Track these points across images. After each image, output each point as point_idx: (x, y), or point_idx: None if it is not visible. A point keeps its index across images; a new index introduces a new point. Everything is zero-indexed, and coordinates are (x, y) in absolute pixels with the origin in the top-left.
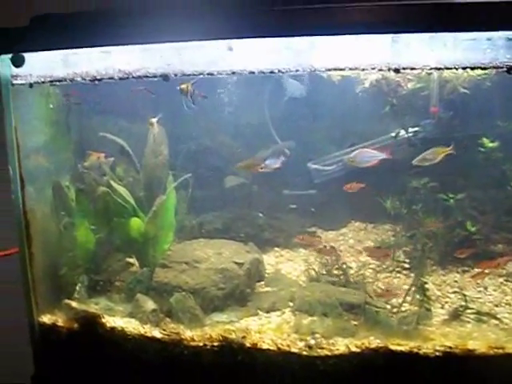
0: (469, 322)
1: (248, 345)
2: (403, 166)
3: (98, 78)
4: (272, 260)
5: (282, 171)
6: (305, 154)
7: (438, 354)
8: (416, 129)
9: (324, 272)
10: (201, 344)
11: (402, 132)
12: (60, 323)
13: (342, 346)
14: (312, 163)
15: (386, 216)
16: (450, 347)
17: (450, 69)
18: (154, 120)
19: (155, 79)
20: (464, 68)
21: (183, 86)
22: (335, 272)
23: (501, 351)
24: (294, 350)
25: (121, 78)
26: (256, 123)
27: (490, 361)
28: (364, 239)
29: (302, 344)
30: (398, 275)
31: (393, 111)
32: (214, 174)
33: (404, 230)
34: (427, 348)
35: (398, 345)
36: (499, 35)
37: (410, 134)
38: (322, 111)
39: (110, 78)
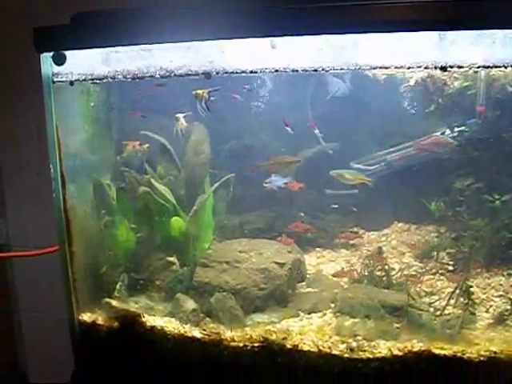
0: None
1: (289, 346)
2: (448, 166)
3: (140, 76)
4: (313, 260)
5: (324, 170)
6: (348, 154)
7: (482, 358)
8: (462, 128)
9: (366, 273)
10: (241, 344)
11: (448, 132)
12: (100, 321)
13: (384, 348)
14: (355, 162)
15: (429, 217)
16: (495, 352)
17: (499, 67)
18: (181, 115)
19: (197, 77)
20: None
21: (199, 92)
22: (378, 273)
23: None
24: (335, 352)
25: (162, 76)
26: (300, 123)
27: None
28: (407, 240)
29: (343, 346)
30: (442, 277)
31: (438, 110)
32: (256, 174)
33: (448, 231)
34: (471, 352)
35: (442, 349)
36: None
37: (455, 134)
38: (366, 110)
39: (151, 76)
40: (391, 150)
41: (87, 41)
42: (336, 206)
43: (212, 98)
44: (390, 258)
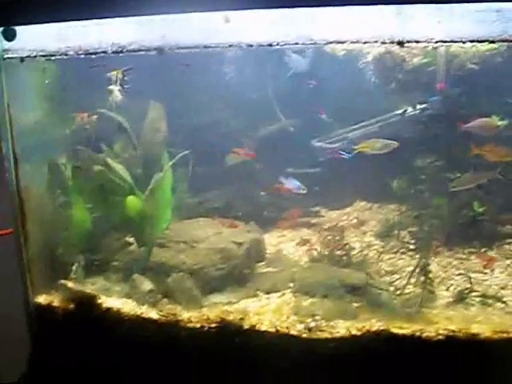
0: (473, 305)
1: (246, 327)
2: (410, 144)
3: (92, 51)
4: (274, 240)
5: (285, 149)
6: (309, 132)
7: (440, 337)
8: (423, 106)
9: (326, 252)
10: (198, 325)
11: (410, 109)
12: (56, 303)
13: (342, 328)
14: (316, 141)
15: (391, 196)
16: (454, 331)
17: (457, 42)
18: (115, 88)
19: (150, 53)
20: (471, 41)
21: (113, 73)
22: (338, 253)
23: (505, 335)
24: (293, 332)
25: (114, 52)
26: (259, 99)
27: (494, 345)
28: (368, 219)
29: (301, 326)
30: (403, 256)
31: (398, 87)
32: (215, 152)
33: (409, 210)
34: (430, 331)
35: (400, 328)
36: (509, 6)
37: (417, 112)
38: (326, 87)
39: (103, 52)
40: (353, 127)
41: (38, 16)
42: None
43: (126, 78)
44: (350, 237)
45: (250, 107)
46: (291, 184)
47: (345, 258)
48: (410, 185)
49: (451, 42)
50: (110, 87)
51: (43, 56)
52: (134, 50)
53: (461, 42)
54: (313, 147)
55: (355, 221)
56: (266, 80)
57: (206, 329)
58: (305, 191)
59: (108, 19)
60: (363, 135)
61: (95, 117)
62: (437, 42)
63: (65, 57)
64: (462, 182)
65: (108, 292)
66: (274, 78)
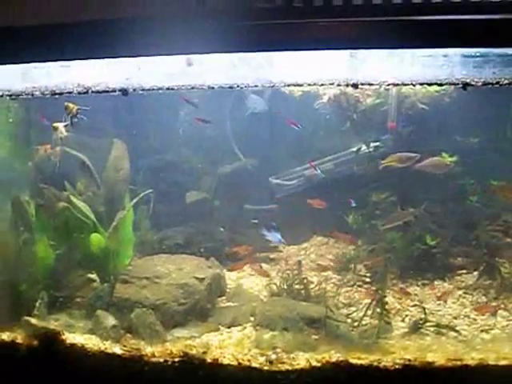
0: (428, 335)
1: (209, 360)
2: (364, 180)
3: (58, 92)
4: (234, 275)
5: (243, 186)
6: (267, 169)
7: (397, 366)
8: (377, 144)
9: (285, 287)
10: (161, 360)
11: (364, 147)
12: (19, 340)
13: (302, 360)
14: (274, 178)
15: (347, 230)
16: (410, 360)
17: (407, 85)
18: (60, 124)
19: (115, 93)
20: (421, 84)
21: (70, 105)
22: (296, 287)
23: (459, 363)
24: (254, 364)
25: (80, 93)
26: (219, 138)
27: (448, 372)
28: (326, 253)
29: (262, 359)
30: (360, 289)
31: (353, 126)
32: (176, 190)
33: (365, 244)
34: (387, 361)
35: (359, 358)
36: (455, 52)
37: (371, 150)
38: (284, 126)
39: (68, 93)
40: (308, 165)
41: (3, 56)
42: (256, 220)
43: (79, 116)
44: (308, 272)
45: (210, 146)
46: (273, 237)
47: (303, 291)
48: (365, 219)
49: (402, 84)
50: (55, 124)
51: (9, 96)
52: (99, 91)
53: (411, 84)
54: (270, 184)
55: (313, 255)
56: (225, 119)
57: (169, 363)
58: (285, 244)
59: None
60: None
61: (58, 148)
62: (389, 85)
63: (30, 97)
64: (390, 221)
65: (71, 328)
66: (234, 117)
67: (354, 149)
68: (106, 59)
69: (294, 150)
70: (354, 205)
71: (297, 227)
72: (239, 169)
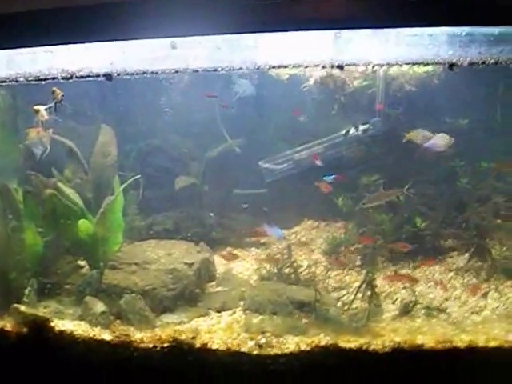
0: (419, 317)
1: (198, 345)
2: (354, 163)
3: (42, 77)
4: (224, 259)
5: (232, 170)
6: (256, 153)
7: (387, 349)
8: (366, 126)
9: (275, 271)
10: (151, 345)
11: (353, 130)
12: (9, 328)
13: (292, 344)
14: (263, 162)
15: (338, 213)
16: (399, 342)
17: (393, 65)
18: (41, 107)
19: (99, 79)
20: (406, 64)
21: (57, 90)
22: (286, 270)
23: (448, 345)
24: (244, 349)
25: (64, 78)
26: (207, 122)
27: (438, 355)
28: (316, 237)
29: (252, 343)
30: (350, 272)
31: (341, 109)
32: (164, 175)
33: (355, 227)
34: (376, 344)
35: (348, 341)
36: (441, 31)
37: (360, 132)
38: (273, 110)
39: (53, 78)
40: (299, 148)
41: None
42: (246, 205)
43: (63, 103)
44: (299, 255)
45: (199, 131)
46: (274, 232)
47: (293, 275)
48: (355, 202)
49: (388, 64)
50: (36, 107)
51: None
52: (82, 76)
53: (397, 64)
54: (260, 168)
55: (303, 239)
56: (214, 104)
57: (158, 348)
58: (285, 240)
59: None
60: (308, 156)
61: (51, 130)
62: (374, 65)
63: (15, 83)
64: (371, 200)
65: (61, 315)
66: (222, 101)
67: (343, 132)
68: (89, 43)
69: (283, 133)
70: (329, 178)
71: (287, 211)
72: (226, 151)
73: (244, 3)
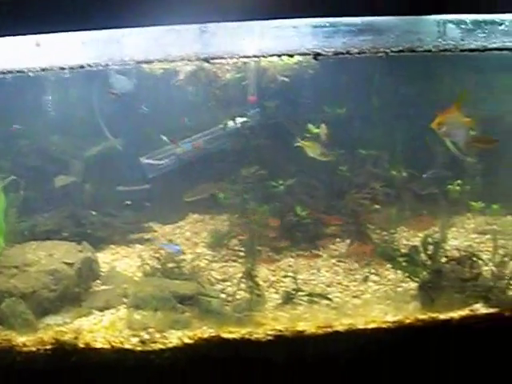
0: (301, 305)
1: (81, 345)
2: (234, 156)
3: None
4: (108, 258)
5: (114, 168)
6: (138, 149)
7: (269, 338)
8: (244, 119)
9: (159, 266)
10: (34, 349)
11: (231, 123)
12: None
13: (174, 338)
14: (144, 158)
15: (222, 206)
16: (281, 330)
17: (258, 57)
18: None
19: None
20: (272, 55)
21: None
22: (170, 265)
23: (329, 329)
24: (127, 346)
25: None
26: (86, 120)
27: (319, 340)
28: (201, 231)
29: (135, 340)
30: (234, 264)
31: (217, 102)
32: (44, 175)
33: (238, 218)
34: (258, 333)
35: (230, 332)
36: (305, 23)
37: (239, 125)
38: (151, 105)
39: None
40: (180, 143)
41: None
42: (129, 202)
43: None
44: (183, 250)
45: (79, 129)
46: (171, 248)
47: (176, 269)
48: (236, 194)
49: (253, 56)
50: None
51: None
52: None
53: (262, 56)
54: (141, 164)
55: (188, 233)
56: (91, 101)
57: (41, 351)
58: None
59: None
60: (190, 150)
61: None
62: (239, 58)
63: None
64: (194, 193)
65: None
66: (100, 98)
67: (222, 125)
68: None
69: (163, 128)
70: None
71: (171, 206)
72: (107, 149)
73: None
